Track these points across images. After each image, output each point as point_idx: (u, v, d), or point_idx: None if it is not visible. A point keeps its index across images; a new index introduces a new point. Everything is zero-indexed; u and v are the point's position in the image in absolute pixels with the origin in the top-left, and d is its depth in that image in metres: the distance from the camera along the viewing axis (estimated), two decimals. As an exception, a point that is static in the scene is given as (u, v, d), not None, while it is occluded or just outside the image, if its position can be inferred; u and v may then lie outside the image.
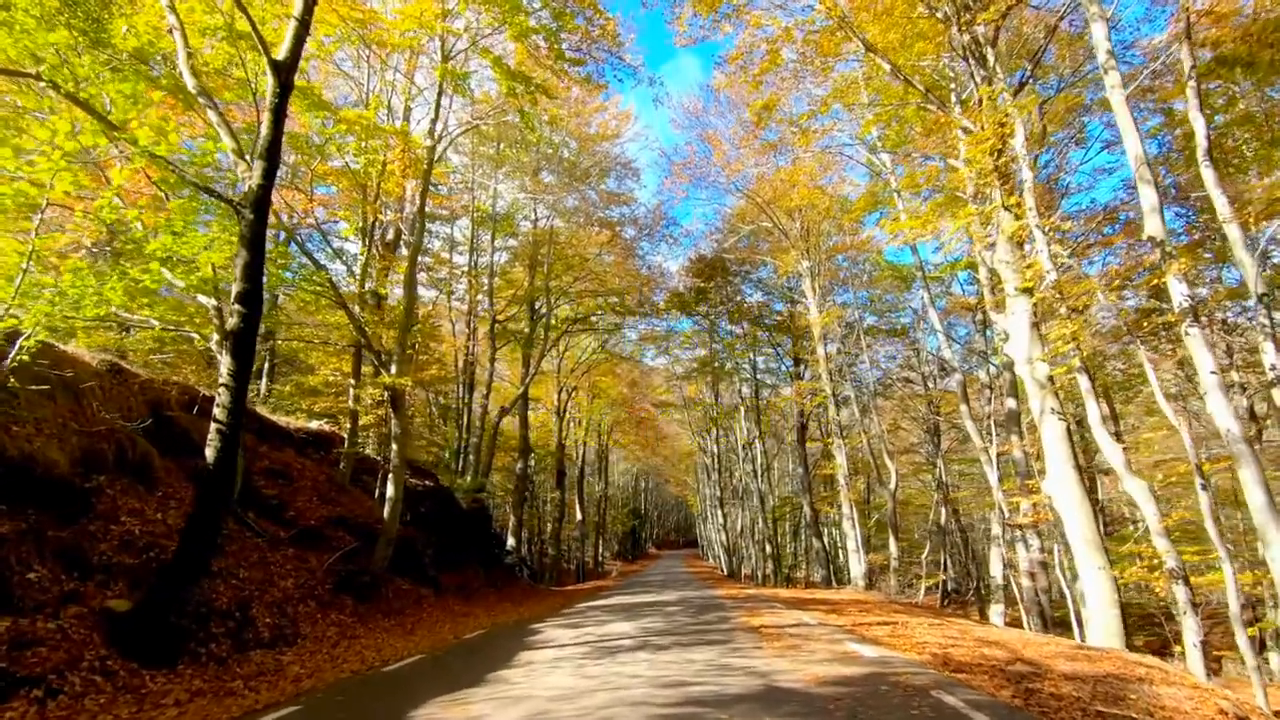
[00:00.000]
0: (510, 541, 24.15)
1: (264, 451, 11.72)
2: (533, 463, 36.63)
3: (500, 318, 23.82)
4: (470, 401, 23.03)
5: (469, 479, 19.62)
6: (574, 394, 35.92)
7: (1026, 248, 9.89)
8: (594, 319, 29.69)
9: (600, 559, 47.03)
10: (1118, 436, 20.64)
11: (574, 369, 33.03)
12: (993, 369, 22.56)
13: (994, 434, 14.79)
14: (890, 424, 29.94)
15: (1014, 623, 19.70)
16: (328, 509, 11.47)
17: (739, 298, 30.15)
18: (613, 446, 50.26)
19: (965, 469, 34.44)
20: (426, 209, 18.10)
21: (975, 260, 17.17)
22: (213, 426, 6.84)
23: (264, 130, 7.53)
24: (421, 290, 23.57)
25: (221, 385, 6.95)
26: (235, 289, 7.16)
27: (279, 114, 7.59)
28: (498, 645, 8.53)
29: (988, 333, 22.46)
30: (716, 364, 33.52)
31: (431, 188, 19.76)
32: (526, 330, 24.53)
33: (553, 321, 27.68)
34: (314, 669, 7.25)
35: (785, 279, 28.47)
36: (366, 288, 13.10)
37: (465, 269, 23.97)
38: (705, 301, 30.02)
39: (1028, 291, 10.57)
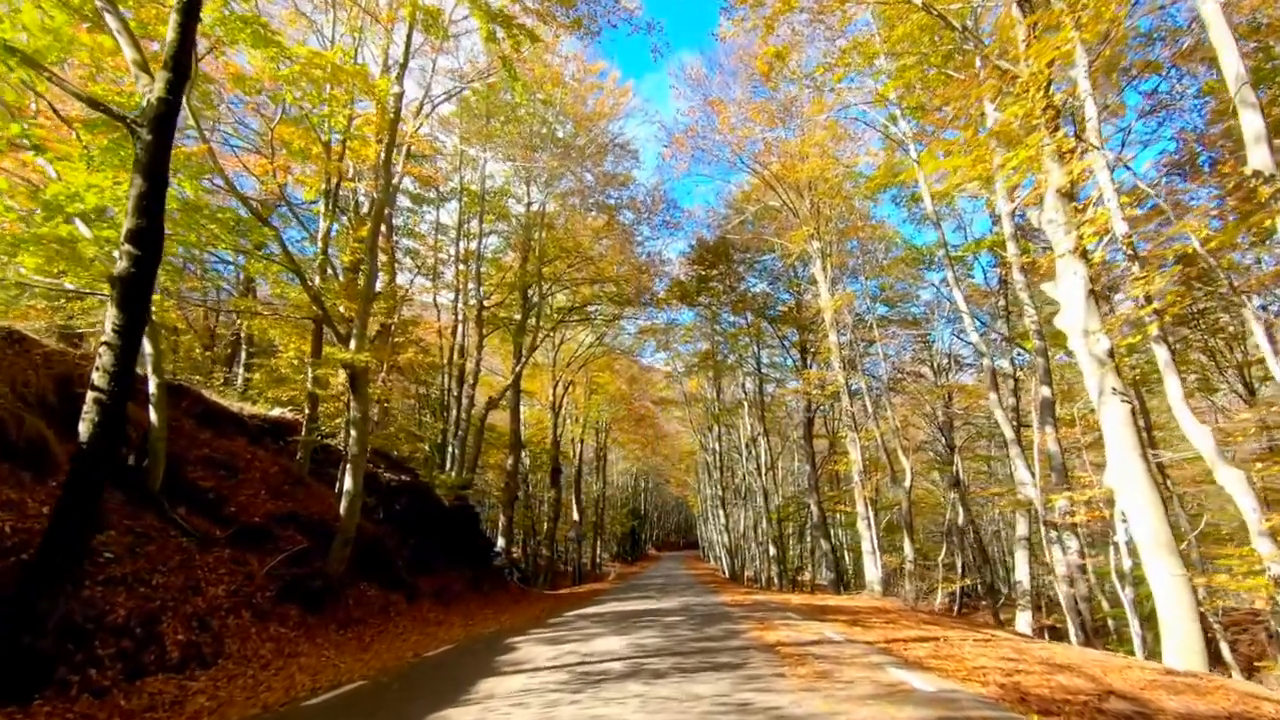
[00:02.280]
0: (500, 542, 22.68)
1: (205, 439, 10.28)
2: (527, 460, 35.18)
3: (489, 305, 22.37)
4: (460, 395, 21.59)
5: (453, 474, 18.17)
6: (571, 389, 34.50)
7: (1085, 199, 8.43)
8: (590, 310, 28.26)
9: (598, 560, 45.56)
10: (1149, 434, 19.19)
11: (570, 363, 31.61)
12: (1020, 359, 21.16)
13: (1038, 423, 13.32)
14: (900, 420, 28.48)
15: (1042, 632, 18.24)
16: (277, 504, 10.04)
17: (743, 286, 28.73)
18: (611, 445, 48.78)
19: (979, 466, 33.00)
20: (404, 175, 16.72)
21: (1002, 238, 15.79)
22: (90, 395, 5.42)
23: (170, 34, 6.12)
24: (404, 277, 22.18)
25: (104, 343, 5.52)
26: (126, 225, 5.74)
27: (189, 14, 6.17)
28: (460, 667, 7.08)
29: (1009, 320, 21.08)
30: (719, 357, 32.09)
31: (414, 159, 18.35)
32: (518, 318, 23.08)
33: (547, 310, 26.27)
34: (225, 699, 5.81)
35: (792, 266, 27.06)
36: (330, 256, 11.69)
37: (453, 254, 22.54)
38: (707, 291, 28.60)
39: (1084, 254, 9.14)
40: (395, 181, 16.74)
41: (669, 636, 8.50)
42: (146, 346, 8.47)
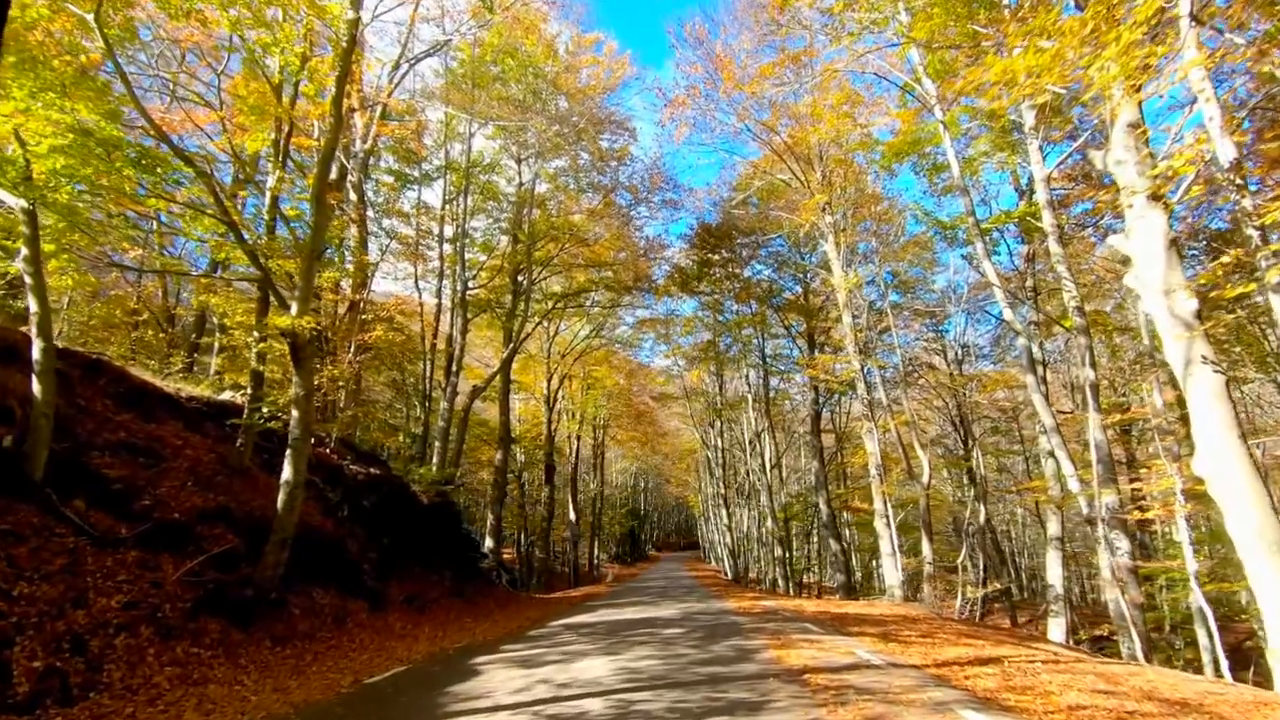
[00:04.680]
0: (488, 543, 21.16)
1: (123, 421, 8.76)
2: (522, 457, 33.65)
3: (475, 287, 20.87)
4: (446, 385, 20.05)
5: (433, 469, 16.66)
6: (567, 383, 32.98)
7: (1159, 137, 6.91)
8: (585, 298, 26.72)
9: (596, 562, 44.02)
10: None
11: (565, 354, 30.08)
12: (1053, 347, 19.65)
13: (1093, 406, 11.81)
14: (914, 413, 26.97)
15: (1095, 644, 16.74)
16: (206, 498, 8.52)
17: (747, 273, 27.22)
18: (610, 444, 47.21)
19: (988, 462, 31.51)
20: (378, 137, 15.25)
21: (1037, 208, 14.35)
22: None
23: None
24: (385, 261, 20.68)
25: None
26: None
27: None
28: (397, 703, 5.58)
29: (1036, 302, 19.58)
30: (721, 349, 30.59)
31: (389, 120, 16.86)
32: (509, 299, 21.58)
33: (539, 296, 24.77)
34: (67, 755, 4.30)
35: (799, 249, 25.58)
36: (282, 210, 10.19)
37: (436, 233, 21.03)
38: (709, 278, 27.10)
39: (1163, 200, 7.65)
40: (368, 145, 15.27)
41: (668, 657, 6.98)
42: (32, 305, 6.99)
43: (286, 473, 8.19)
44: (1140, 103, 8.19)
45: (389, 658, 8.15)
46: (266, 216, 9.98)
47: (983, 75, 6.06)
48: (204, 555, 7.68)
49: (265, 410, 9.38)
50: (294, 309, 8.30)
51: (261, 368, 9.81)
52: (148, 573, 7.12)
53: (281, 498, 8.12)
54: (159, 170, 7.57)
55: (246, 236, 9.25)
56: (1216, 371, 7.41)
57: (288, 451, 8.29)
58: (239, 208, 11.24)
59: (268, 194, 10.09)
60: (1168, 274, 7.80)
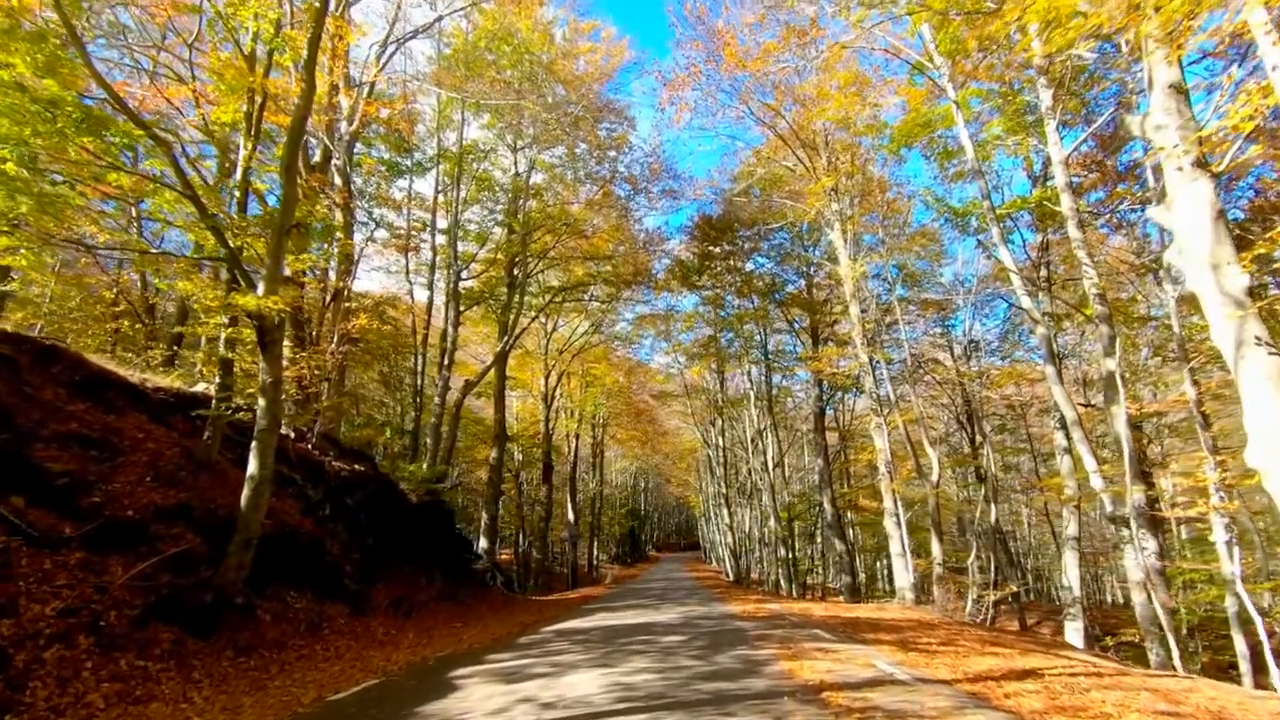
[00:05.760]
0: (482, 544, 20.49)
1: (77, 411, 8.09)
2: (519, 455, 32.97)
3: (468, 278, 20.21)
4: (439, 380, 19.37)
5: (424, 466, 15.98)
6: (564, 380, 32.29)
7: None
8: (583, 292, 26.02)
9: (595, 562, 43.33)
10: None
11: (563, 351, 29.41)
12: (1064, 342, 18.96)
13: (1121, 399, 11.12)
14: (921, 410, 26.29)
15: (1114, 650, 16.04)
16: (166, 494, 7.84)
17: (749, 267, 26.55)
18: (609, 443, 46.50)
19: (1000, 459, 30.85)
20: (363, 118, 14.57)
21: (1055, 192, 13.72)
22: None
23: None
24: (360, 239, 19.99)
25: None
26: None
27: None
28: (360, 725, 4.90)
29: (1050, 292, 18.90)
30: (722, 344, 29.89)
31: (377, 101, 16.18)
32: (504, 294, 20.90)
33: (535, 290, 24.11)
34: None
35: (802, 241, 24.91)
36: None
37: (429, 222, 20.37)
38: (710, 272, 26.43)
39: (1205, 166, 6.99)
40: (353, 127, 14.60)
41: (667, 671, 6.29)
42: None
43: (252, 467, 7.51)
44: (1181, 61, 7.53)
45: (363, 668, 7.47)
46: (237, 193, 9.30)
47: (1021, 14, 5.38)
48: (158, 556, 7.00)
49: (238, 401, 8.70)
50: (260, 288, 7.63)
51: (230, 355, 9.14)
52: (92, 576, 6.44)
53: (246, 494, 7.44)
54: (107, 134, 6.87)
55: (218, 215, 8.60)
56: (1272, 353, 6.73)
57: (253, 444, 7.62)
58: (208, 184, 10.55)
59: (239, 169, 9.40)
60: (1215, 247, 7.12)
